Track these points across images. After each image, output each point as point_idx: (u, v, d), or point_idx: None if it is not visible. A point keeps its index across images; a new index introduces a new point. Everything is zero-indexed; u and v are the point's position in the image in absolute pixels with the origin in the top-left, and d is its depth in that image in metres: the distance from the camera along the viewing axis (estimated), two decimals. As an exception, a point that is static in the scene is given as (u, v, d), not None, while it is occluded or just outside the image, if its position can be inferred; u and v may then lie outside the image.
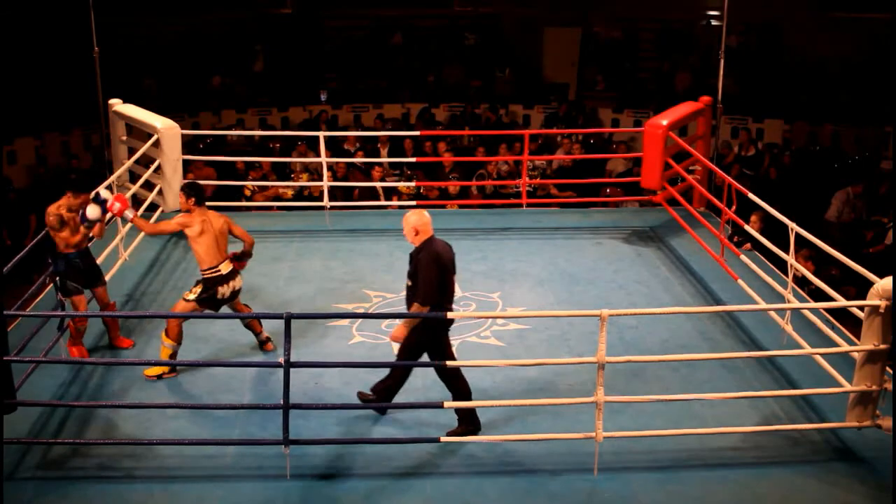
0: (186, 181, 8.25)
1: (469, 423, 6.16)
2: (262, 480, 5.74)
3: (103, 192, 7.18)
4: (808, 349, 6.62)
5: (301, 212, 10.91)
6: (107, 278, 7.84)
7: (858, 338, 6.18)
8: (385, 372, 6.47)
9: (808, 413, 6.47)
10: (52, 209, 6.88)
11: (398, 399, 6.42)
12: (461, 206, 11.43)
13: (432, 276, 5.95)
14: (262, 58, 18.47)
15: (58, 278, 7.05)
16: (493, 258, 9.41)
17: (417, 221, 6.05)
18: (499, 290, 8.62)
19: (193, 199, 6.99)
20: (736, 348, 7.41)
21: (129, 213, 7.06)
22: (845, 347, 6.44)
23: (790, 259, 7.24)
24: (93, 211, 6.95)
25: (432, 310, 6.00)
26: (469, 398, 6.14)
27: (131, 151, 9.93)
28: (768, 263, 8.65)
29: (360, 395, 6.48)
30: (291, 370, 5.61)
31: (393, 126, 16.42)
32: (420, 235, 6.05)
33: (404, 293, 8.39)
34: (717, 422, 6.28)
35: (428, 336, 6.13)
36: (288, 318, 5.55)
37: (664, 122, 9.90)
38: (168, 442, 6.05)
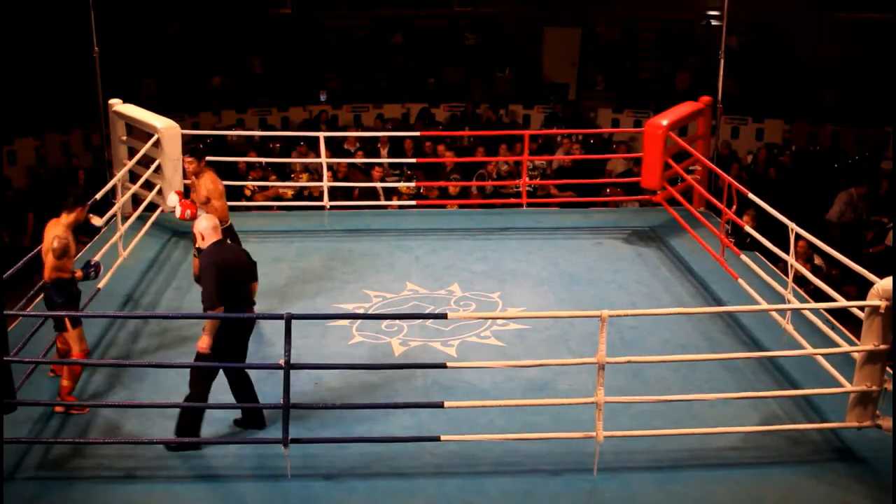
0: (193, 146, 8.31)
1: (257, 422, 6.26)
2: (262, 480, 5.74)
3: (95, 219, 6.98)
4: (808, 349, 6.62)
5: (301, 212, 10.91)
6: (106, 278, 7.85)
7: (858, 338, 6.18)
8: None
9: (808, 413, 6.47)
10: (62, 233, 6.33)
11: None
12: (461, 206, 11.43)
13: (211, 280, 5.91)
14: (258, 63, 18.44)
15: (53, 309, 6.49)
16: (493, 258, 9.41)
17: (203, 227, 6.11)
18: (499, 290, 8.62)
19: (205, 160, 7.75)
20: (736, 348, 7.41)
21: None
22: (845, 347, 6.43)
23: (790, 259, 7.24)
24: (97, 221, 6.90)
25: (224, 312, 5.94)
26: (255, 399, 6.22)
27: (131, 151, 9.92)
28: (768, 263, 8.65)
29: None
30: (291, 370, 5.61)
31: (393, 126, 16.41)
32: (206, 240, 6.09)
33: (404, 293, 8.48)
34: (717, 422, 6.28)
35: (225, 341, 5.97)
36: (288, 319, 5.55)
37: (664, 122, 9.90)
38: (168, 441, 6.05)
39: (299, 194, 11.89)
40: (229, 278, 5.98)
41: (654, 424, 6.15)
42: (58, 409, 6.34)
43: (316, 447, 5.99)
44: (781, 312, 7.24)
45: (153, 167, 9.60)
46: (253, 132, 15.89)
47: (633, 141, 15.18)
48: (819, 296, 7.47)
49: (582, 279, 8.92)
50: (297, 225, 10.43)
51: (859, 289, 8.24)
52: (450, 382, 6.79)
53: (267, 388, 6.67)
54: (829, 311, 7.20)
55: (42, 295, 6.59)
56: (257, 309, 8.07)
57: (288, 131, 16.27)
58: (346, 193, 11.44)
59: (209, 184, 7.62)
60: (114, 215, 8.68)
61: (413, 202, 11.24)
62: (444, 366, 6.08)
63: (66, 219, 6.46)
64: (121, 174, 9.23)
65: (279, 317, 5.58)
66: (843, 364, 6.39)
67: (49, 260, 6.32)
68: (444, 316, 6.38)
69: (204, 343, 5.88)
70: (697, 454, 6.00)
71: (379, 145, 13.86)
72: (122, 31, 15.73)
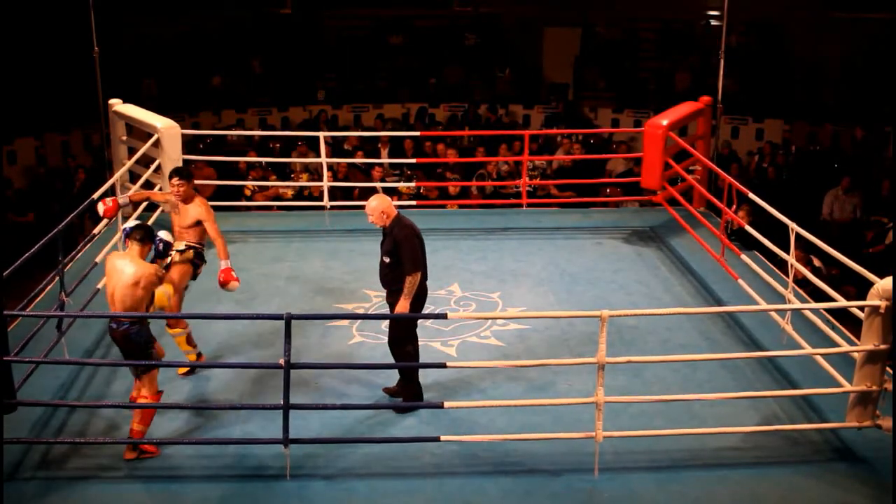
0: (176, 167, 7.69)
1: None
2: (262, 480, 5.74)
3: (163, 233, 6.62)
4: (808, 349, 6.62)
5: (301, 212, 10.91)
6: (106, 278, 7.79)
7: (858, 338, 6.18)
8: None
9: (808, 413, 6.47)
10: (153, 267, 6.04)
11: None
12: (461, 206, 11.43)
13: (415, 246, 6.40)
14: (257, 63, 18.44)
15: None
16: (493, 258, 9.41)
17: (384, 204, 6.45)
18: (499, 290, 8.62)
19: (193, 183, 7.10)
20: (736, 348, 7.41)
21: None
22: (845, 347, 6.44)
23: (790, 259, 7.23)
24: (166, 234, 6.58)
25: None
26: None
27: (131, 151, 9.92)
28: (768, 263, 8.65)
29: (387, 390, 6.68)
30: (292, 370, 5.61)
31: (393, 126, 16.41)
32: (387, 216, 6.44)
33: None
34: (717, 422, 6.28)
35: (416, 303, 6.48)
36: (288, 319, 5.55)
37: (664, 122, 9.90)
38: (168, 441, 6.05)
39: (299, 194, 11.89)
40: (422, 245, 6.45)
41: (654, 424, 6.15)
42: (128, 455, 5.90)
43: (316, 447, 5.99)
44: (781, 312, 7.23)
45: (153, 167, 9.60)
46: (253, 132, 15.88)
47: (633, 141, 15.17)
48: (819, 296, 7.47)
49: (582, 279, 8.92)
50: (297, 225, 10.43)
51: (859, 289, 8.23)
52: (450, 382, 6.80)
53: (267, 387, 6.69)
54: (828, 310, 7.20)
55: (114, 336, 5.99)
56: (257, 307, 8.10)
57: (288, 131, 16.26)
58: (346, 193, 11.44)
59: (199, 207, 6.95)
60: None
61: (413, 202, 11.24)
62: (443, 365, 6.10)
63: (140, 251, 6.05)
64: (119, 174, 9.22)
65: (279, 317, 5.58)
66: (843, 364, 6.40)
67: (158, 295, 6.19)
68: (444, 316, 6.37)
69: (403, 307, 6.37)
70: (697, 454, 6.00)
71: (379, 145, 13.86)
72: (122, 31, 15.72)
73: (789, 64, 17.40)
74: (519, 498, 5.62)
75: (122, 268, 5.96)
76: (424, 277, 6.50)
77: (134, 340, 5.92)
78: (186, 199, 6.99)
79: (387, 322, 7.77)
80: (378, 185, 11.67)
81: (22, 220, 12.64)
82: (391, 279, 6.49)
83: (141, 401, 5.97)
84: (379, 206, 6.45)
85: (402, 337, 6.54)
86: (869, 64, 16.28)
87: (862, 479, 5.78)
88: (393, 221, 6.45)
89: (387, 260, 6.48)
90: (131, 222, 6.33)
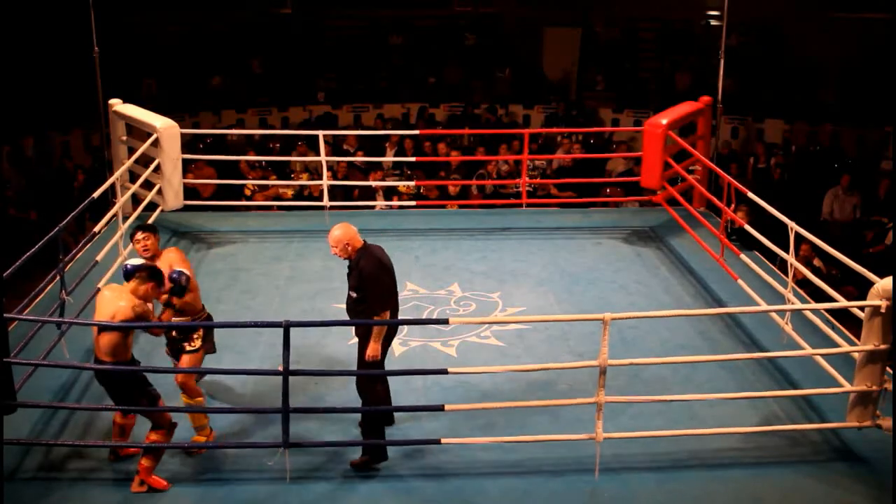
0: (140, 223, 6.91)
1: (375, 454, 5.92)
2: (262, 482, 5.74)
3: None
4: (808, 349, 6.62)
5: (301, 212, 10.91)
6: (106, 277, 7.80)
7: (858, 338, 6.18)
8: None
9: (808, 413, 6.47)
10: (136, 303, 5.52)
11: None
12: (461, 206, 11.43)
13: (382, 282, 5.89)
14: (257, 63, 18.44)
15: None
16: (493, 258, 9.41)
17: (345, 235, 5.88)
18: (499, 290, 8.62)
19: (159, 237, 6.39)
20: (736, 348, 7.41)
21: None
22: (845, 348, 6.43)
23: (790, 259, 7.23)
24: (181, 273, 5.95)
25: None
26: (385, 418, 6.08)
27: (131, 151, 9.92)
28: (768, 263, 8.65)
29: (354, 463, 5.93)
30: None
31: (393, 126, 16.42)
32: (351, 247, 5.89)
33: (405, 293, 8.45)
34: (717, 422, 6.28)
35: (386, 343, 6.04)
36: (287, 326, 5.49)
37: (664, 122, 9.90)
38: (169, 445, 6.03)
39: (299, 194, 11.89)
40: (392, 280, 5.98)
41: (654, 424, 6.15)
42: (137, 488, 5.63)
43: (316, 449, 5.98)
44: (781, 313, 7.23)
45: (152, 166, 9.60)
46: (253, 132, 15.88)
47: (633, 141, 15.17)
48: (819, 296, 7.46)
49: (582, 279, 8.92)
50: (297, 225, 10.42)
51: (859, 289, 8.23)
52: (450, 383, 6.79)
53: (267, 389, 6.68)
54: (829, 311, 7.20)
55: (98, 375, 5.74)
56: (257, 307, 8.09)
57: (288, 131, 16.25)
58: (345, 193, 11.44)
59: (171, 254, 6.26)
60: (114, 215, 8.68)
61: (413, 202, 11.24)
62: (445, 371, 6.10)
63: (136, 288, 5.60)
64: (118, 173, 9.21)
65: (278, 324, 5.53)
66: (843, 364, 6.39)
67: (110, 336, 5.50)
68: (445, 321, 6.31)
69: (374, 350, 5.86)
70: (697, 454, 6.00)
71: (387, 145, 13.85)
72: (122, 31, 15.72)
73: (789, 64, 17.39)
74: (519, 498, 5.62)
75: (107, 304, 5.56)
76: (395, 312, 6.05)
77: (117, 381, 5.59)
78: (154, 258, 6.19)
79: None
80: (378, 184, 11.68)
81: (23, 216, 12.62)
82: (358, 315, 5.97)
83: (152, 437, 5.69)
84: (342, 238, 5.85)
85: (370, 377, 5.95)
86: (869, 64, 16.27)
87: (862, 479, 5.78)
88: (358, 253, 5.87)
89: (353, 295, 5.94)
90: (133, 260, 5.87)
